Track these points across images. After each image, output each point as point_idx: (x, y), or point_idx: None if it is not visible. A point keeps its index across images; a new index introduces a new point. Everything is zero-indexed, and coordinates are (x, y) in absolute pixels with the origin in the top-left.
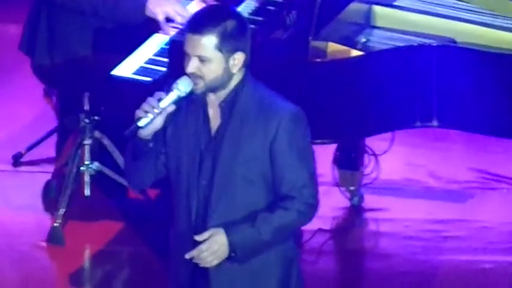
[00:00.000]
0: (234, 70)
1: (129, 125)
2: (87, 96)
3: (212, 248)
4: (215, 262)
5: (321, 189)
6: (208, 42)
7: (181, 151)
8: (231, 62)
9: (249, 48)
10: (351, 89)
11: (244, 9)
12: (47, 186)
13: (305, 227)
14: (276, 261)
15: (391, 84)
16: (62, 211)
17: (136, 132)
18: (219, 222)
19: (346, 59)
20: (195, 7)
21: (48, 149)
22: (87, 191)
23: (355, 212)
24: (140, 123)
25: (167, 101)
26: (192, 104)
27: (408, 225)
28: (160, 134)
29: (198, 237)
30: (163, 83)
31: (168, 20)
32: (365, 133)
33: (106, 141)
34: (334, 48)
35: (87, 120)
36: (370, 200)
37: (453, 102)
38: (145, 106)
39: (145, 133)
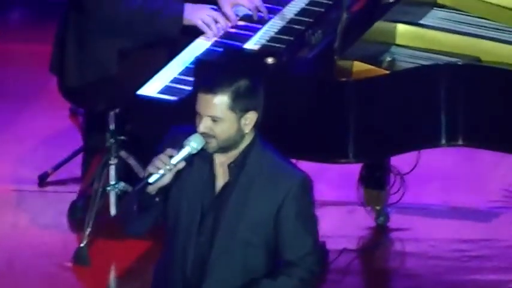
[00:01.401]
0: (247, 130)
1: (154, 145)
2: (113, 116)
3: None
4: None
5: (346, 208)
6: (220, 103)
7: (182, 205)
8: (243, 121)
9: (261, 107)
10: (376, 108)
11: (270, 28)
12: (73, 206)
13: (330, 247)
14: None
15: (416, 102)
16: (87, 231)
17: (146, 187)
18: (215, 282)
19: (372, 77)
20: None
21: (74, 168)
22: (112, 211)
23: (381, 232)
24: (151, 180)
25: (178, 158)
26: (198, 159)
27: (434, 244)
28: (164, 192)
29: None
30: (189, 102)
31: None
32: (390, 152)
33: (132, 161)
34: (359, 67)
35: (112, 140)
36: (395, 220)
37: (479, 120)
38: (156, 162)
39: (153, 188)
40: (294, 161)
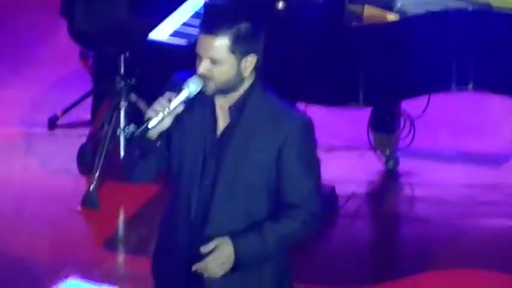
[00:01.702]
0: (246, 73)
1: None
2: (123, 59)
3: (219, 261)
4: (220, 273)
5: (356, 153)
6: (221, 44)
7: (185, 149)
8: (242, 64)
9: (262, 50)
10: (386, 53)
11: None
12: (82, 149)
13: (340, 192)
14: (271, 272)
15: (426, 48)
16: (97, 174)
17: (146, 132)
18: (218, 227)
19: (383, 23)
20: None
21: (84, 112)
22: (122, 154)
23: (390, 176)
24: (150, 124)
25: (177, 101)
26: (199, 104)
27: (443, 189)
28: (165, 136)
29: (203, 249)
30: None
31: None
32: (400, 96)
33: (141, 104)
34: (370, 11)
35: (122, 83)
36: (405, 164)
37: (489, 65)
38: (156, 106)
39: (154, 133)
40: (304, 105)
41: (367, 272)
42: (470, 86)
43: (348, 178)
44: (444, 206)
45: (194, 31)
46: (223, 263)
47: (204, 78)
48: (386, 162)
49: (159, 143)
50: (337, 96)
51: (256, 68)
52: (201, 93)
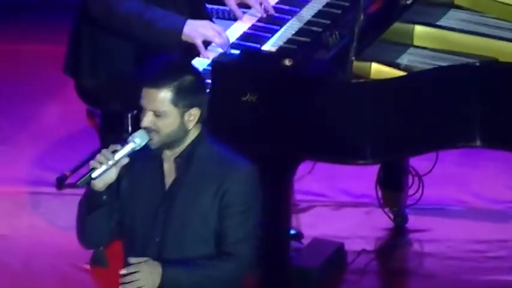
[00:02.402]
0: (190, 126)
1: None
2: (130, 117)
3: (146, 270)
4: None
5: (364, 209)
6: (163, 97)
7: (136, 208)
8: (186, 117)
9: (206, 104)
10: (393, 109)
11: (287, 30)
12: None
13: (349, 248)
14: None
15: (433, 104)
16: None
17: (90, 183)
18: None
19: (389, 79)
20: (241, 26)
21: None
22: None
23: (399, 233)
24: (94, 174)
25: (122, 153)
26: (148, 160)
27: (452, 245)
28: (114, 191)
29: (133, 260)
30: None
31: (206, 44)
32: (408, 153)
33: None
34: (377, 68)
35: None
36: (413, 221)
37: (497, 122)
38: (99, 157)
39: (99, 185)
40: (312, 162)
41: None
42: (478, 142)
43: (357, 235)
44: (453, 262)
45: None
46: (147, 275)
47: (148, 131)
48: (395, 218)
49: (105, 196)
50: (344, 153)
51: (202, 121)
52: (146, 148)
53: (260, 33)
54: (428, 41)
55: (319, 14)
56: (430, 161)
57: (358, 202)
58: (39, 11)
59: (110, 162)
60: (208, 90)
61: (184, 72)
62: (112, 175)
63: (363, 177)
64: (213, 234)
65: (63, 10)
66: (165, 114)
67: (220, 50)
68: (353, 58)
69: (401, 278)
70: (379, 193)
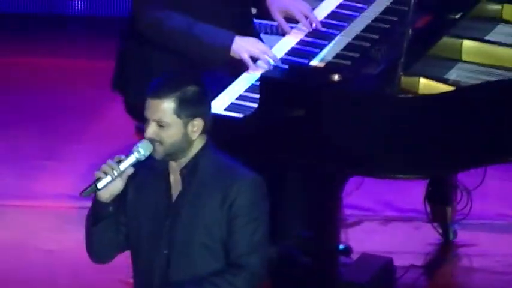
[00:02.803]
0: (193, 136)
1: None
2: None
3: None
4: None
5: (413, 224)
6: (166, 107)
7: (142, 220)
8: (189, 128)
9: (210, 114)
10: (442, 124)
11: (335, 45)
12: None
13: (397, 263)
14: None
15: (482, 118)
16: None
17: (95, 193)
18: None
19: (438, 94)
20: (289, 41)
21: None
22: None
23: (448, 248)
24: (99, 185)
25: (126, 164)
26: (153, 172)
27: (500, 260)
28: (120, 204)
29: None
30: (255, 120)
31: (253, 59)
32: (457, 168)
33: None
34: (425, 83)
35: None
36: (462, 236)
37: None
38: (104, 167)
39: (105, 196)
40: (360, 178)
41: None
42: None
43: (405, 250)
44: (500, 276)
45: (250, 104)
46: None
47: (152, 142)
48: (444, 233)
49: (111, 208)
50: (392, 168)
51: (206, 131)
52: (151, 158)
53: (308, 48)
54: (476, 56)
55: (367, 28)
56: (477, 176)
57: (407, 217)
58: (85, 26)
59: (115, 173)
60: (256, 105)
61: (187, 83)
62: (118, 186)
63: (412, 192)
64: (220, 246)
65: (107, 25)
66: (168, 124)
67: (267, 67)
68: (401, 73)
69: None
70: (428, 208)
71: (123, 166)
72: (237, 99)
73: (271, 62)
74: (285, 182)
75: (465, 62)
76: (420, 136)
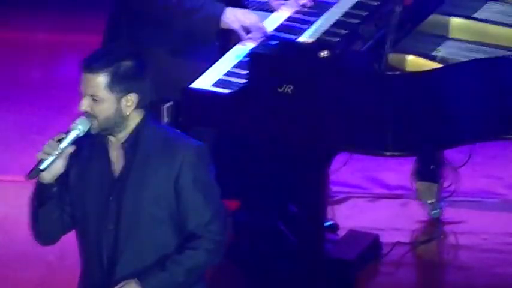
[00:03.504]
0: (127, 111)
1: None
2: (165, 109)
3: None
4: None
5: (400, 201)
6: (99, 82)
7: (86, 198)
8: (123, 102)
9: (145, 89)
10: (430, 102)
11: (324, 21)
12: None
13: (384, 240)
14: None
15: (471, 96)
16: None
17: (38, 175)
18: (128, 268)
19: (425, 71)
20: (278, 17)
21: None
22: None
23: (434, 225)
24: (42, 166)
25: (66, 141)
26: (94, 148)
27: (487, 238)
28: (63, 183)
29: None
30: (243, 96)
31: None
32: (444, 146)
33: None
34: (412, 60)
35: None
36: (449, 213)
37: None
38: (45, 148)
39: (48, 177)
40: (347, 154)
41: None
42: None
43: (392, 226)
44: (488, 255)
45: (237, 80)
46: None
47: (87, 115)
48: (430, 211)
49: (55, 188)
50: (379, 145)
51: (144, 106)
52: (90, 133)
53: (297, 24)
54: (464, 33)
55: (356, 5)
56: (465, 153)
57: (394, 194)
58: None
59: (56, 152)
60: (246, 80)
61: (122, 57)
62: (60, 165)
63: (399, 169)
64: (169, 217)
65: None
66: (101, 99)
67: (258, 38)
68: (389, 50)
69: (437, 270)
70: (415, 185)
71: (63, 144)
72: (224, 75)
73: (261, 33)
74: (271, 157)
75: (453, 39)
76: (408, 113)
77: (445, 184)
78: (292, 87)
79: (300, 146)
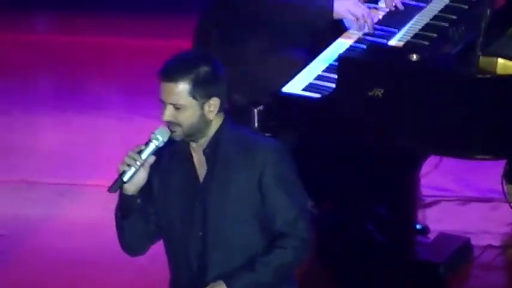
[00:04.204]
0: (211, 116)
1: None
2: (256, 113)
3: None
4: None
5: (490, 204)
6: (181, 90)
7: (171, 206)
8: (206, 108)
9: (225, 92)
10: None
11: (414, 25)
12: None
13: (475, 243)
14: None
15: None
16: None
17: (122, 187)
18: (218, 271)
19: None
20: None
21: None
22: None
23: None
24: (125, 178)
25: (147, 152)
26: (176, 157)
27: None
28: (147, 194)
29: None
30: (333, 100)
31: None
32: None
33: None
34: (503, 63)
35: None
36: None
37: None
38: (126, 159)
39: (131, 188)
40: (438, 157)
41: None
42: None
43: (483, 230)
44: None
45: (328, 84)
46: None
47: (170, 125)
48: None
49: (139, 200)
50: (469, 148)
51: (222, 110)
52: (170, 142)
53: (387, 28)
54: None
55: (446, 9)
56: None
57: (484, 197)
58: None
59: (138, 163)
60: (334, 85)
61: (199, 63)
62: (142, 176)
63: (489, 172)
64: (254, 218)
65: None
66: (185, 107)
67: (366, 29)
68: (479, 53)
69: None
70: (505, 188)
71: (144, 155)
72: (315, 79)
73: (369, 27)
74: (362, 159)
75: None
76: (498, 116)
77: None
78: (382, 90)
79: (390, 148)
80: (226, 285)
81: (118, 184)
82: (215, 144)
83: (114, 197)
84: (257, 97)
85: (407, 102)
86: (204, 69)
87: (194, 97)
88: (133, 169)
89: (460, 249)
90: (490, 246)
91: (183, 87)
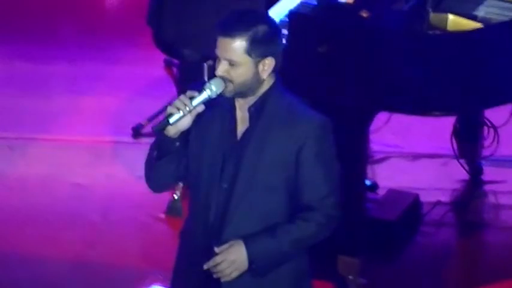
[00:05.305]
0: (264, 75)
1: None
2: (206, 67)
3: (229, 258)
4: (235, 274)
5: (440, 161)
6: (238, 46)
7: (203, 153)
8: (260, 67)
9: (280, 53)
10: (470, 61)
11: None
12: None
13: (424, 199)
14: (289, 273)
15: (510, 56)
16: (181, 183)
17: (165, 128)
18: (234, 231)
19: (466, 31)
20: None
21: None
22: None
23: (474, 184)
24: (171, 120)
25: (198, 100)
26: (219, 107)
27: None
28: (185, 138)
29: (216, 249)
30: (283, 56)
31: None
32: (484, 105)
33: None
34: (454, 20)
35: None
36: (489, 172)
37: None
38: (177, 103)
39: (173, 131)
40: (387, 113)
41: (451, 280)
42: None
43: (432, 186)
44: None
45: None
46: (233, 262)
47: (223, 79)
48: (470, 170)
49: (177, 143)
50: (419, 104)
51: (275, 70)
52: (221, 95)
53: None
54: None
55: None
56: (505, 113)
57: (434, 154)
58: None
59: (187, 109)
60: (285, 41)
61: (258, 21)
62: (186, 122)
63: (439, 129)
64: (284, 187)
65: None
66: (239, 63)
67: None
68: (430, 10)
69: (477, 229)
70: (455, 144)
71: (195, 102)
72: None
73: None
74: None
75: None
76: (449, 73)
77: (485, 144)
78: (332, 47)
79: (340, 104)
80: (245, 245)
81: (163, 124)
82: (262, 104)
83: (62, 153)
84: (207, 52)
85: (357, 58)
86: (262, 28)
87: (250, 55)
88: (181, 113)
89: (409, 206)
90: (439, 202)
91: (240, 44)
